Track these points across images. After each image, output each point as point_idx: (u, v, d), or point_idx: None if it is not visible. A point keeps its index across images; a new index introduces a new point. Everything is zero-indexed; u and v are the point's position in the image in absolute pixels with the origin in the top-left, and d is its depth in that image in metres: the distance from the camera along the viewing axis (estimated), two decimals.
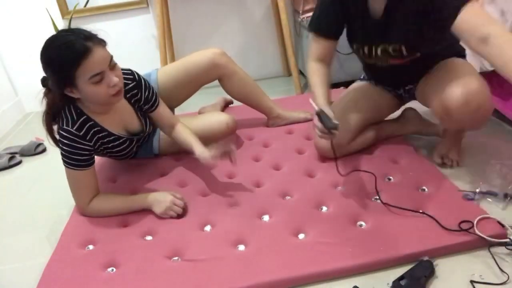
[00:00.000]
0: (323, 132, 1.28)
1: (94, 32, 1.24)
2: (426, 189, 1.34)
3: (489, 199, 1.28)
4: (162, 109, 1.55)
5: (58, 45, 1.20)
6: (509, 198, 1.26)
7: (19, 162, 2.01)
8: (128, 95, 1.45)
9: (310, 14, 2.28)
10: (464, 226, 1.13)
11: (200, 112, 2.06)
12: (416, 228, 1.16)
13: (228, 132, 1.71)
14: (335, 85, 2.15)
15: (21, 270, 1.28)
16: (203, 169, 1.61)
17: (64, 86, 1.24)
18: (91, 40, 1.20)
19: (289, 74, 2.79)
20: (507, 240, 1.09)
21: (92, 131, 1.36)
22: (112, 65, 1.26)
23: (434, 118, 1.52)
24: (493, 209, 1.24)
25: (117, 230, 1.32)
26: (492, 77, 1.69)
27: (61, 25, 2.54)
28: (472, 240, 1.10)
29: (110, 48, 1.26)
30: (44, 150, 2.10)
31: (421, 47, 1.34)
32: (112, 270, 1.17)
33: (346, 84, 1.88)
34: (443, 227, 1.14)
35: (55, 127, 1.37)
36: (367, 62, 1.52)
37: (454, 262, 1.08)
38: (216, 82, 1.79)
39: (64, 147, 1.30)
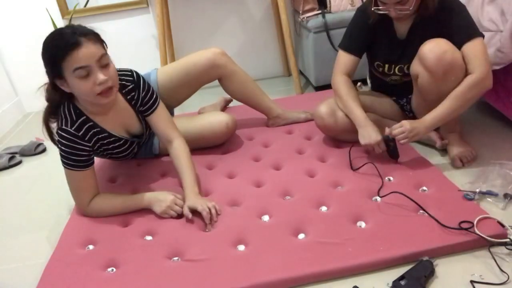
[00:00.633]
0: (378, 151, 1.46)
1: (96, 31, 1.25)
2: (426, 189, 1.34)
3: (489, 199, 1.28)
4: (159, 118, 1.48)
5: (53, 36, 1.23)
6: (509, 198, 1.26)
7: (19, 162, 2.01)
8: (128, 97, 1.45)
9: (310, 14, 2.30)
10: (464, 226, 1.13)
11: (200, 112, 2.06)
12: (416, 228, 1.16)
13: (228, 133, 1.71)
14: None
15: (21, 270, 1.28)
16: (203, 169, 1.61)
17: (54, 76, 1.25)
18: (85, 36, 1.21)
19: (289, 74, 2.79)
20: (507, 240, 1.09)
21: (91, 132, 1.36)
22: (103, 64, 1.24)
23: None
24: (493, 209, 1.24)
25: (117, 230, 1.32)
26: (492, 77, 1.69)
27: (61, 25, 2.53)
28: (472, 240, 1.10)
29: (110, 48, 1.26)
30: (44, 150, 2.10)
31: None
32: (112, 270, 1.17)
33: None
34: (443, 225, 1.14)
35: (53, 126, 1.36)
36: (382, 78, 1.64)
37: (454, 262, 1.08)
38: (216, 82, 1.79)
39: (63, 147, 1.30)
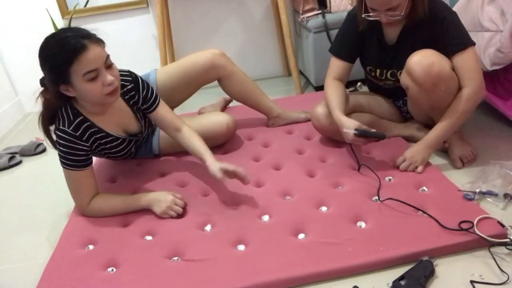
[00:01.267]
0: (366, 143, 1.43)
1: (93, 32, 1.24)
2: (426, 189, 1.34)
3: (489, 199, 1.28)
4: (164, 111, 1.51)
5: (54, 42, 1.20)
6: (509, 198, 1.26)
7: (19, 162, 2.01)
8: (126, 97, 1.45)
9: (310, 14, 2.30)
10: (464, 226, 1.13)
11: (200, 112, 2.06)
12: (416, 228, 1.16)
13: (228, 133, 1.71)
14: None
15: (21, 270, 1.28)
16: (203, 169, 1.60)
17: (59, 83, 1.24)
18: (88, 38, 1.20)
19: (289, 74, 2.79)
20: (507, 240, 1.09)
21: (89, 132, 1.36)
22: (108, 64, 1.25)
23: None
24: (493, 209, 1.24)
25: (117, 230, 1.32)
26: (492, 77, 1.69)
27: (61, 25, 2.54)
28: (472, 240, 1.10)
29: (110, 48, 1.26)
30: (44, 150, 2.10)
31: None
32: (112, 270, 1.17)
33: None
34: (442, 226, 1.14)
35: (52, 127, 1.36)
36: (376, 83, 1.65)
37: (454, 262, 1.08)
38: (216, 82, 1.79)
39: (61, 148, 1.30)
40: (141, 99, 1.46)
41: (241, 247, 1.19)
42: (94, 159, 1.42)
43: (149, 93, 1.48)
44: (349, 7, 2.27)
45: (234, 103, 2.11)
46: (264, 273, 1.08)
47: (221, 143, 1.74)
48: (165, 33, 2.48)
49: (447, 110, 1.38)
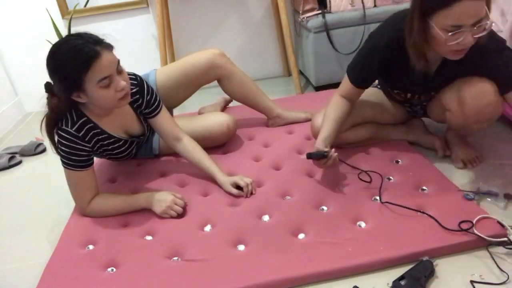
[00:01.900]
0: (323, 163, 1.36)
1: (101, 36, 1.24)
2: (426, 189, 1.34)
3: (489, 199, 1.28)
4: (164, 118, 1.51)
5: (66, 50, 1.19)
6: (509, 198, 1.26)
7: (19, 162, 2.01)
8: (130, 100, 1.45)
9: (310, 14, 2.29)
10: (464, 226, 1.13)
11: (200, 112, 2.06)
12: (416, 228, 1.16)
13: (228, 133, 1.71)
14: (335, 85, 2.14)
15: (21, 270, 1.28)
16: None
17: (72, 91, 1.23)
18: (100, 44, 1.20)
19: (289, 74, 2.79)
20: (506, 239, 1.09)
21: (91, 133, 1.36)
22: (120, 70, 1.26)
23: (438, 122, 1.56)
24: (493, 209, 1.24)
25: (117, 230, 1.32)
26: None
27: (61, 25, 2.54)
28: (471, 240, 1.10)
29: (111, 43, 1.26)
30: (44, 150, 2.10)
31: None
32: (112, 270, 1.17)
33: None
34: (443, 226, 1.14)
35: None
36: (401, 100, 1.56)
37: (454, 262, 1.08)
38: (216, 82, 1.79)
39: (63, 148, 1.30)
40: (144, 103, 1.47)
41: (241, 247, 1.19)
42: (95, 159, 1.42)
43: (153, 98, 1.49)
44: (349, 7, 2.27)
45: (234, 103, 2.11)
46: (264, 273, 1.08)
47: (221, 143, 1.74)
48: (165, 33, 2.48)
49: None
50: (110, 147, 1.47)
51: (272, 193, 1.40)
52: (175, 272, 1.12)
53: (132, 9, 2.60)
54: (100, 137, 1.40)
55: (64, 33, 2.49)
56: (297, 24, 2.60)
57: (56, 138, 1.32)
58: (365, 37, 1.44)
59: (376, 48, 1.34)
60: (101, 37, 1.24)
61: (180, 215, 1.34)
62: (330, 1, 2.26)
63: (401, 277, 1.02)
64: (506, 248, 1.08)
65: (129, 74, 1.44)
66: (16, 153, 2.08)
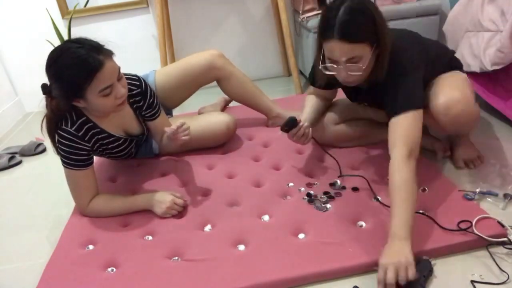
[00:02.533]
0: (293, 134, 1.39)
1: (101, 42, 1.23)
2: (426, 189, 1.34)
3: (489, 199, 1.28)
4: (162, 121, 1.54)
5: (69, 59, 1.18)
6: (509, 198, 1.26)
7: (19, 162, 2.01)
8: (130, 100, 1.45)
9: (310, 14, 2.30)
10: (463, 226, 1.13)
11: (200, 112, 2.06)
12: (416, 228, 1.15)
13: (228, 133, 1.71)
14: None
15: (21, 270, 1.28)
16: (203, 169, 1.61)
17: (72, 98, 1.24)
18: (102, 53, 1.20)
19: (289, 74, 2.79)
20: (505, 239, 1.09)
21: (91, 132, 1.36)
22: (120, 77, 1.26)
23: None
24: (493, 209, 1.24)
25: (117, 230, 1.32)
26: (492, 77, 1.69)
27: (61, 25, 2.54)
28: (471, 240, 1.10)
29: (110, 48, 1.26)
30: (44, 150, 2.10)
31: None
32: (112, 270, 1.17)
33: None
34: (441, 226, 1.14)
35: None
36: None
37: (454, 262, 1.08)
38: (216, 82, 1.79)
39: (63, 147, 1.30)
40: (146, 105, 1.48)
41: (241, 247, 1.19)
42: (95, 158, 1.42)
43: (155, 102, 1.50)
44: None
45: (234, 103, 2.11)
46: (264, 273, 1.08)
47: (221, 143, 1.74)
48: (165, 33, 2.48)
49: (393, 192, 1.09)
50: (110, 146, 1.47)
51: (272, 193, 1.40)
52: (175, 272, 1.12)
53: (132, 9, 2.60)
54: (99, 136, 1.40)
55: (64, 33, 2.49)
56: (297, 24, 2.60)
57: (56, 137, 1.32)
58: None
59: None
60: (101, 42, 1.23)
61: (180, 215, 1.34)
62: (330, 1, 2.26)
63: None
64: (506, 248, 1.08)
65: (131, 75, 1.44)
66: (16, 153, 2.08)
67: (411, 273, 0.96)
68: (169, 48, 2.63)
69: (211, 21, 2.68)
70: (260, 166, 1.59)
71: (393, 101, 1.22)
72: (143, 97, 1.46)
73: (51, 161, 1.98)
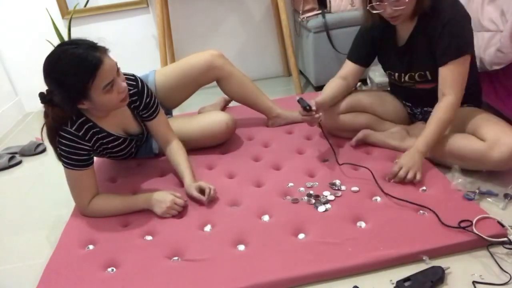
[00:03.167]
0: (304, 114, 1.46)
1: (95, 40, 1.23)
2: (426, 189, 1.34)
3: (489, 199, 1.28)
4: (160, 122, 1.53)
5: (69, 60, 1.18)
6: (509, 198, 1.26)
7: (19, 162, 2.01)
8: (129, 100, 1.45)
9: (310, 14, 2.30)
10: (464, 226, 1.13)
11: (200, 112, 2.06)
12: (416, 228, 1.16)
13: (227, 132, 1.71)
14: None
15: (21, 270, 1.28)
16: (202, 169, 1.61)
17: (77, 100, 1.24)
18: (98, 50, 1.20)
19: (289, 74, 2.79)
20: (505, 239, 1.09)
21: (91, 132, 1.36)
22: (118, 72, 1.26)
23: None
24: (493, 209, 1.24)
25: (117, 230, 1.32)
26: (492, 77, 1.69)
27: (61, 25, 2.54)
28: (472, 240, 1.10)
29: (110, 48, 1.26)
30: (44, 150, 2.10)
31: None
32: (112, 270, 1.17)
33: None
34: (442, 222, 1.14)
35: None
36: (398, 85, 1.61)
37: (455, 262, 1.08)
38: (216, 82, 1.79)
39: (63, 147, 1.30)
40: (142, 105, 1.47)
41: (241, 247, 1.19)
42: (95, 158, 1.42)
43: (152, 102, 1.49)
44: (349, 7, 2.27)
45: (234, 103, 2.11)
46: (264, 273, 1.08)
47: (220, 142, 1.74)
48: (165, 33, 2.48)
49: (432, 118, 1.37)
50: (110, 146, 1.47)
51: (272, 193, 1.40)
52: (175, 272, 1.12)
53: (132, 9, 2.61)
54: (99, 135, 1.40)
55: (64, 33, 2.49)
56: (297, 24, 2.60)
57: (56, 139, 1.32)
58: None
59: (365, 28, 1.55)
60: (94, 40, 1.23)
61: (180, 215, 1.34)
62: (330, 1, 2.26)
63: (407, 279, 1.01)
64: (506, 248, 1.08)
65: (128, 75, 1.44)
66: (16, 153, 2.08)
67: (418, 176, 1.33)
68: (169, 48, 2.63)
69: (211, 21, 2.68)
70: (260, 166, 1.59)
71: (445, 49, 1.33)
72: (139, 97, 1.46)
73: (51, 161, 1.98)
